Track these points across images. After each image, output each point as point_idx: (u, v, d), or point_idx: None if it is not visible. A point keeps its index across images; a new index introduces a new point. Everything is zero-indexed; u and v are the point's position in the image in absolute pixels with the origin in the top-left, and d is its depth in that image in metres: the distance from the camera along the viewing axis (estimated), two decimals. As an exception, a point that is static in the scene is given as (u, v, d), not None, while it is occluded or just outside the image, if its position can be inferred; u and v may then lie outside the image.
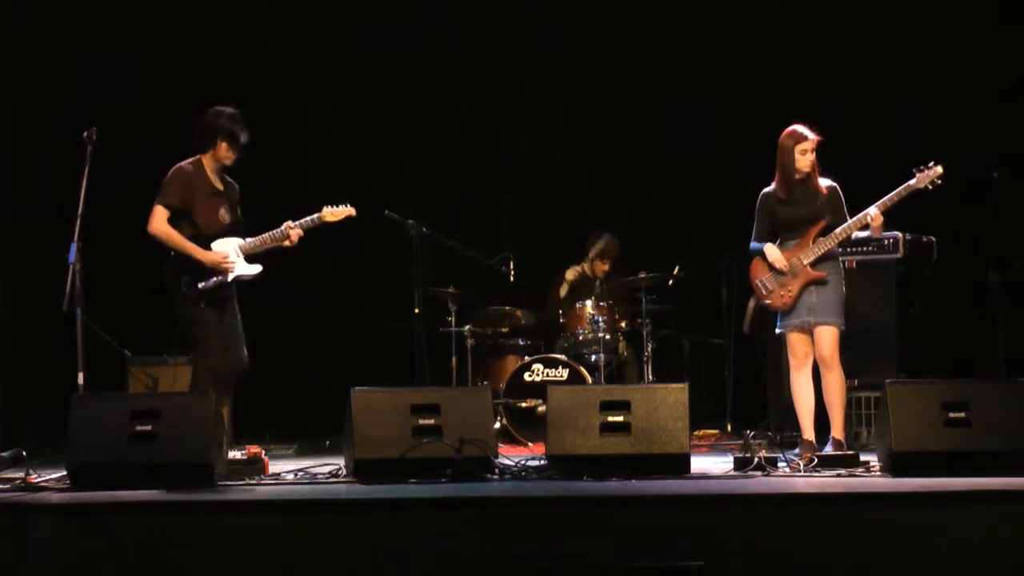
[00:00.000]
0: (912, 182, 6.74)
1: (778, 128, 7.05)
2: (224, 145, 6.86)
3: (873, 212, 6.72)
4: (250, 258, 6.97)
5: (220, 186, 6.98)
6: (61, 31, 9.44)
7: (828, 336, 6.80)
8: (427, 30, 10.14)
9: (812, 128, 6.88)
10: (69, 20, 9.45)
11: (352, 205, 7.18)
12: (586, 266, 9.72)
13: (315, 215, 7.10)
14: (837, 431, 6.79)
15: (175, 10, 9.75)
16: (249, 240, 6.98)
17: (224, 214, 6.94)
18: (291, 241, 7.01)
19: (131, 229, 8.53)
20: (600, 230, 9.65)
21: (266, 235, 7.01)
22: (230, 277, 6.84)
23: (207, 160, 6.93)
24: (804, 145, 6.86)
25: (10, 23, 9.01)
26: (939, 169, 6.71)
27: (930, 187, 6.73)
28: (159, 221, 6.78)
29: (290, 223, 7.02)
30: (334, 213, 7.15)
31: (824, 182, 6.89)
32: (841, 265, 6.97)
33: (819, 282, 6.81)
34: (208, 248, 6.83)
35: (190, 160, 6.92)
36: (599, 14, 10.21)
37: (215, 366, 6.78)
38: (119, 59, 9.60)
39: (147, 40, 9.68)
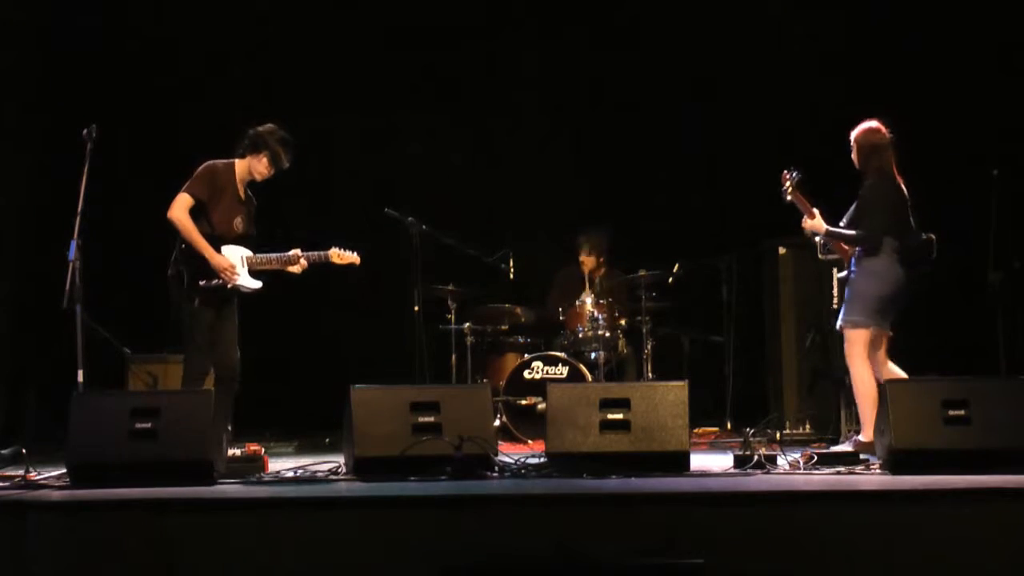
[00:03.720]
0: None
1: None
2: (265, 161, 6.91)
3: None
4: (253, 273, 6.98)
5: (242, 195, 7.01)
6: (61, 30, 9.43)
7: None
8: (427, 29, 10.15)
9: (884, 125, 6.93)
10: (69, 20, 9.45)
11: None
12: (579, 264, 9.73)
13: (323, 252, 7.16)
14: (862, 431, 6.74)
15: (175, 10, 9.75)
16: (257, 255, 7.00)
17: (239, 223, 6.95)
18: (296, 269, 7.07)
19: (131, 227, 8.56)
20: (587, 228, 9.68)
21: (274, 256, 7.03)
22: (230, 285, 6.84)
23: (240, 167, 6.96)
24: None
25: (10, 23, 9.00)
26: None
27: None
28: (181, 209, 6.79)
29: (298, 251, 7.06)
30: (341, 256, 7.23)
31: (876, 180, 6.86)
32: (867, 264, 6.80)
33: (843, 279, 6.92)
34: (218, 250, 6.84)
35: (224, 161, 6.95)
36: (600, 14, 10.20)
37: (205, 365, 6.80)
38: (119, 59, 9.60)
39: (147, 39, 9.68)
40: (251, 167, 6.94)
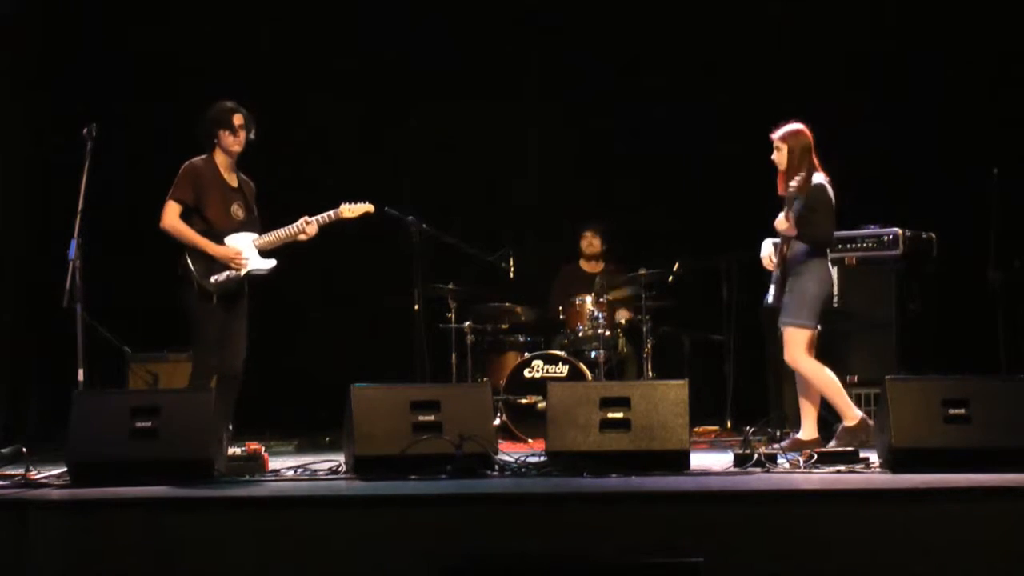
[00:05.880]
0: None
1: (777, 126, 7.07)
2: (224, 134, 6.86)
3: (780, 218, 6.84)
4: (265, 253, 6.96)
5: (234, 183, 6.97)
6: (61, 28, 9.43)
7: (784, 336, 6.95)
8: (427, 28, 10.14)
9: (811, 127, 6.92)
10: (69, 17, 9.45)
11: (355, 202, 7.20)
12: (582, 263, 9.74)
13: (332, 211, 7.11)
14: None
15: (174, 9, 9.75)
16: (264, 236, 6.97)
17: (237, 210, 6.93)
18: (307, 235, 7.01)
19: (132, 226, 8.56)
20: (585, 226, 9.68)
21: (281, 230, 6.99)
22: (243, 272, 6.84)
23: (218, 156, 6.92)
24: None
25: (9, 20, 9.00)
26: None
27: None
28: (171, 217, 6.78)
29: (307, 218, 7.01)
30: (352, 209, 7.16)
31: (814, 180, 6.87)
32: (813, 266, 6.91)
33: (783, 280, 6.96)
34: (221, 243, 6.82)
35: (202, 157, 6.91)
36: (600, 15, 10.20)
37: (214, 364, 6.78)
38: (119, 57, 9.61)
39: (147, 38, 9.68)
40: (223, 151, 6.90)
